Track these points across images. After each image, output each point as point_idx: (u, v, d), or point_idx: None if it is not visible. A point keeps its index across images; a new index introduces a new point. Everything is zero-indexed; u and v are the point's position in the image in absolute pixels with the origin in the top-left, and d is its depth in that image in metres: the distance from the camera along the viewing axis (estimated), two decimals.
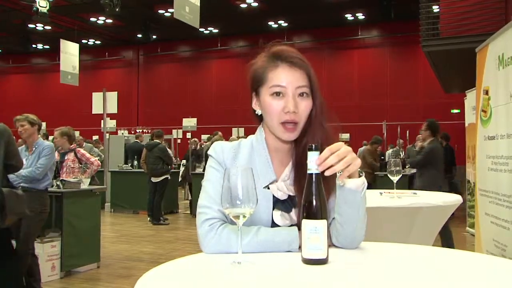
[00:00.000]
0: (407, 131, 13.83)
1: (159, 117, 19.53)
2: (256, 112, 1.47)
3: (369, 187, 1.39)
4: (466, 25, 8.80)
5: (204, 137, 14.92)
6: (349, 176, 1.27)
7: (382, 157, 10.22)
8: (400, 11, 15.17)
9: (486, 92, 4.41)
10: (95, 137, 14.51)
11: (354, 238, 1.35)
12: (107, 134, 11.04)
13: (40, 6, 11.75)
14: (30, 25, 17.62)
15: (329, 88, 16.45)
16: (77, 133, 12.59)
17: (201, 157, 10.37)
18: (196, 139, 11.75)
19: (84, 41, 19.24)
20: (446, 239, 5.87)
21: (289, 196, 1.41)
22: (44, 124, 8.15)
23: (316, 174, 1.20)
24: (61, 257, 5.07)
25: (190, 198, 10.65)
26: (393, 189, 3.30)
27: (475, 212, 5.09)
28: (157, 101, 20.40)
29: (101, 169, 9.00)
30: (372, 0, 15.19)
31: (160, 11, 16.36)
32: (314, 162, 1.20)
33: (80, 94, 18.10)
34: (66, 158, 5.72)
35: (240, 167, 1.21)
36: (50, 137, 8.44)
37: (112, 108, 9.83)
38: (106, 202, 10.46)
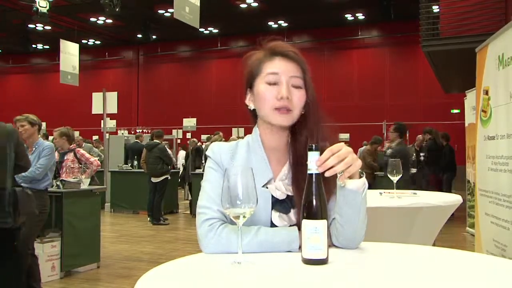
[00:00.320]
0: (407, 131, 13.81)
1: (159, 117, 19.53)
2: (249, 107, 1.48)
3: (369, 187, 1.39)
4: (466, 25, 8.80)
5: (203, 137, 14.93)
6: (350, 177, 1.27)
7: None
8: (400, 11, 15.18)
9: (486, 92, 4.41)
10: (95, 137, 14.51)
11: (354, 238, 1.35)
12: (107, 134, 11.04)
13: (40, 6, 11.76)
14: (30, 25, 17.62)
15: (329, 88, 16.46)
16: (76, 133, 12.60)
17: (201, 158, 10.37)
18: (195, 139, 11.74)
19: (84, 41, 19.24)
20: None
21: (288, 196, 1.41)
22: (44, 124, 8.15)
23: (316, 174, 1.20)
24: (61, 257, 5.07)
25: (190, 198, 10.65)
26: (393, 189, 3.30)
27: (475, 212, 5.09)
28: (157, 101, 20.40)
29: (101, 169, 9.00)
30: (372, 0, 15.19)
31: (160, 11, 16.37)
32: (314, 162, 1.20)
33: (80, 94, 18.11)
34: (65, 158, 5.72)
35: (240, 167, 1.21)
36: (50, 137, 8.44)
37: (112, 108, 9.85)
38: (106, 202, 10.46)
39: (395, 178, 3.30)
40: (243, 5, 15.68)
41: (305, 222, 1.18)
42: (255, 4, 15.59)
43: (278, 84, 1.39)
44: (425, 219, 2.98)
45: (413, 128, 13.94)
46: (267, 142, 1.46)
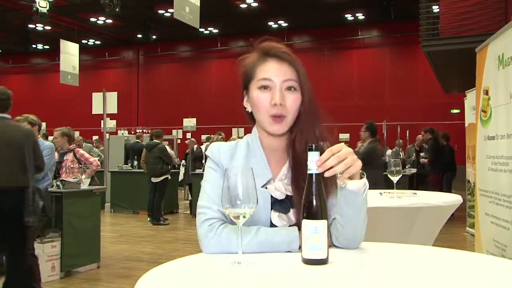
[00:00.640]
0: (407, 131, 13.83)
1: (159, 117, 19.52)
2: (247, 110, 1.48)
3: (370, 187, 1.39)
4: (466, 25, 8.80)
5: (203, 137, 14.93)
6: (351, 178, 1.27)
7: (383, 157, 10.21)
8: (400, 11, 15.17)
9: (486, 92, 4.41)
10: (95, 137, 14.51)
11: (354, 239, 1.35)
12: (107, 134, 11.04)
13: (40, 6, 11.76)
14: (30, 25, 17.61)
15: (329, 88, 16.45)
16: (77, 134, 12.60)
17: (201, 158, 10.37)
18: (194, 139, 11.74)
19: (84, 41, 19.23)
20: None
21: (287, 196, 1.40)
22: (44, 124, 8.14)
23: (316, 174, 1.20)
24: (61, 257, 5.07)
25: (190, 198, 10.65)
26: (393, 189, 3.30)
27: (475, 212, 5.09)
28: (157, 101, 20.39)
29: (101, 169, 9.00)
30: (372, 0, 15.18)
31: (160, 11, 16.36)
32: (314, 162, 1.20)
33: (80, 94, 18.11)
34: (65, 158, 5.72)
35: (240, 167, 1.21)
36: (50, 137, 8.44)
37: (112, 108, 9.86)
38: (106, 202, 10.46)
39: (395, 178, 3.30)
40: (243, 5, 15.67)
41: (305, 222, 1.18)
42: (255, 4, 15.58)
43: (271, 89, 1.39)
44: (425, 219, 2.98)
45: (413, 128, 13.96)
46: (266, 143, 1.46)
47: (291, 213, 1.40)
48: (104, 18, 17.11)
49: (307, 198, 1.19)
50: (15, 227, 3.80)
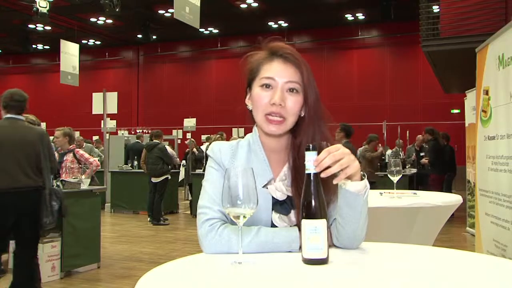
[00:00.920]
0: (407, 131, 13.83)
1: (159, 117, 19.53)
2: (248, 107, 1.47)
3: (371, 187, 1.38)
4: (466, 25, 8.80)
5: (203, 137, 14.92)
6: (350, 178, 1.26)
7: (383, 157, 10.23)
8: (400, 11, 15.16)
9: (486, 92, 4.41)
10: (95, 137, 14.49)
11: (354, 239, 1.35)
12: (107, 135, 11.03)
13: (40, 7, 11.76)
14: (30, 26, 17.61)
15: (329, 88, 16.45)
16: (77, 134, 12.60)
17: (201, 158, 10.36)
18: (193, 139, 11.73)
19: (84, 41, 19.23)
20: None
21: (288, 197, 1.40)
22: (44, 124, 8.15)
23: (314, 174, 1.20)
24: (61, 258, 5.06)
25: (190, 198, 10.65)
26: (393, 189, 3.30)
27: (475, 212, 5.09)
28: (157, 101, 20.40)
29: (101, 169, 8.99)
30: (372, 0, 15.18)
31: (160, 12, 16.36)
32: (311, 162, 1.20)
33: (80, 94, 18.09)
34: (65, 158, 5.72)
35: (241, 167, 1.21)
36: (50, 137, 8.43)
37: (112, 108, 9.82)
38: (106, 203, 10.46)
39: (395, 178, 3.31)
40: (243, 6, 15.67)
41: (305, 222, 1.18)
42: (255, 4, 15.58)
43: (273, 89, 1.38)
44: (425, 219, 2.98)
45: (413, 128, 13.96)
46: (266, 143, 1.46)
47: (292, 214, 1.39)
48: (104, 18, 17.11)
49: (306, 198, 1.19)
50: (29, 227, 3.82)
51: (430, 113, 15.96)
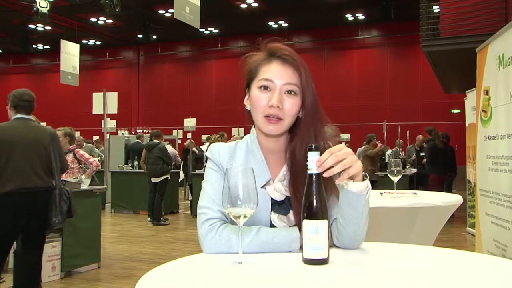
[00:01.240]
0: (407, 131, 13.83)
1: (160, 117, 19.53)
2: (246, 107, 1.48)
3: (373, 187, 1.38)
4: (466, 25, 8.80)
5: (204, 137, 14.91)
6: (352, 179, 1.26)
7: (383, 157, 10.23)
8: (400, 11, 15.15)
9: (487, 92, 4.41)
10: (95, 137, 14.49)
11: (355, 239, 1.35)
12: (108, 135, 11.03)
13: (40, 7, 11.75)
14: (31, 26, 17.61)
15: (329, 88, 16.45)
16: (77, 134, 12.59)
17: (201, 158, 10.36)
18: (192, 140, 11.73)
19: (84, 41, 19.23)
20: None
21: (287, 197, 1.40)
22: (44, 125, 8.11)
23: (316, 174, 1.20)
24: (61, 258, 5.06)
25: (190, 198, 10.65)
26: (394, 189, 3.30)
27: (475, 212, 5.09)
28: (157, 101, 20.40)
29: (101, 169, 8.98)
30: (372, 0, 15.18)
31: (160, 12, 16.36)
32: (314, 162, 1.20)
33: (80, 94, 18.10)
34: None
35: (241, 167, 1.21)
36: None
37: (113, 108, 9.81)
38: (106, 202, 10.46)
39: (395, 178, 3.30)
40: (243, 6, 15.67)
41: (306, 222, 1.18)
42: (255, 4, 15.58)
43: (271, 91, 1.39)
44: (426, 219, 2.98)
45: (414, 128, 13.96)
46: (264, 144, 1.46)
47: (291, 214, 1.39)
48: (104, 18, 17.11)
49: (308, 198, 1.19)
50: (38, 228, 3.83)
51: (430, 113, 15.95)
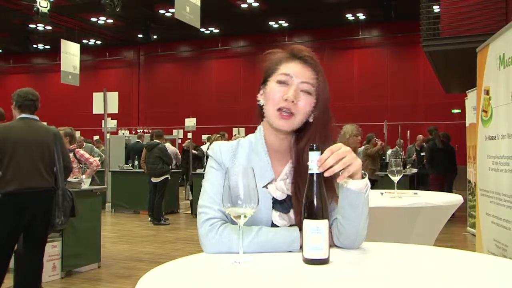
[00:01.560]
0: (408, 131, 13.83)
1: (160, 117, 19.53)
2: (259, 102, 1.48)
3: (373, 186, 1.39)
4: (466, 25, 8.79)
5: (204, 137, 14.91)
6: (352, 177, 1.27)
7: (383, 157, 10.23)
8: (400, 11, 15.16)
9: (487, 92, 4.41)
10: (96, 137, 14.50)
11: (355, 239, 1.35)
12: (108, 134, 11.03)
13: (41, 6, 11.76)
14: (31, 25, 17.63)
15: (329, 88, 16.41)
16: (77, 133, 12.59)
17: (201, 158, 10.37)
18: (191, 140, 11.73)
19: (84, 41, 19.24)
20: None
21: (288, 196, 1.40)
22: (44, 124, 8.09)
23: (317, 174, 1.20)
24: (61, 257, 5.06)
25: (191, 198, 10.65)
26: (394, 189, 3.30)
27: (476, 212, 5.09)
28: (157, 101, 20.40)
29: (101, 169, 8.98)
30: (373, 0, 15.18)
31: (161, 11, 16.37)
32: (315, 162, 1.20)
33: (80, 94, 18.11)
34: None
35: (241, 167, 1.21)
36: None
37: (113, 108, 9.82)
38: (106, 202, 10.45)
39: (396, 178, 3.30)
40: (243, 5, 15.67)
41: (307, 222, 1.18)
42: (256, 4, 15.58)
43: (288, 86, 1.40)
44: (426, 219, 2.98)
45: (414, 128, 13.95)
46: (271, 142, 1.46)
47: (292, 213, 1.40)
48: (104, 18, 17.12)
49: (308, 198, 1.19)
50: (40, 228, 3.83)
51: (431, 113, 15.95)
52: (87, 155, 5.97)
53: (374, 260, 1.30)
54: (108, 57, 21.28)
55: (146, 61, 21.27)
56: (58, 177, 3.88)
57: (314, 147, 1.20)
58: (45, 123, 4.26)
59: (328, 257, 1.18)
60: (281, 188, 1.40)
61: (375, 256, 1.33)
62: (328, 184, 1.27)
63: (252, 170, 1.18)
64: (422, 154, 10.42)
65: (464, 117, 8.21)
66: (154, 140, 9.15)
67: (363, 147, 8.93)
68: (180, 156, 11.06)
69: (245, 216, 1.17)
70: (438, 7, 10.12)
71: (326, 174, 1.20)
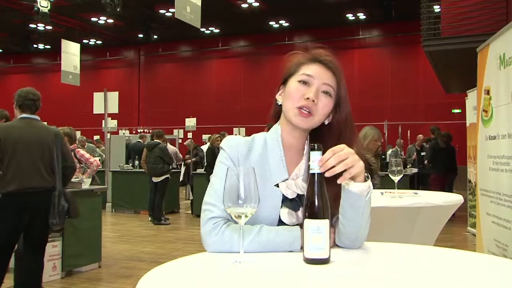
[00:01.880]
0: (408, 131, 13.82)
1: (160, 117, 19.53)
2: (277, 102, 1.50)
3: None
4: (467, 25, 8.79)
5: (204, 136, 14.92)
6: (354, 179, 1.27)
7: (383, 157, 10.23)
8: (401, 11, 15.15)
9: (487, 92, 4.41)
10: (96, 137, 14.51)
11: (356, 239, 1.35)
12: (108, 134, 11.04)
13: (41, 6, 11.76)
14: (31, 25, 17.63)
15: None
16: (78, 133, 12.60)
17: (202, 159, 10.36)
18: (192, 140, 11.72)
19: (85, 41, 19.24)
20: None
21: (298, 195, 1.41)
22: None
23: (318, 174, 1.20)
24: (62, 257, 5.07)
25: (191, 198, 10.65)
26: (394, 189, 3.30)
27: (476, 212, 5.08)
28: (158, 101, 20.40)
29: (102, 169, 8.99)
30: (373, 0, 15.18)
31: (161, 11, 16.37)
32: (316, 162, 1.20)
33: (81, 94, 18.12)
34: None
35: (244, 166, 1.21)
36: None
37: (113, 108, 9.83)
38: (107, 202, 10.46)
39: (396, 178, 3.30)
40: (244, 5, 15.67)
41: (308, 222, 1.18)
42: (256, 4, 15.58)
43: (309, 86, 1.41)
44: (426, 219, 2.98)
45: (414, 128, 13.95)
46: (287, 140, 1.47)
47: (301, 211, 1.40)
48: (105, 18, 17.12)
49: (309, 198, 1.19)
50: (40, 228, 3.83)
51: (431, 113, 15.95)
52: (87, 155, 5.97)
53: (374, 260, 1.30)
54: (108, 57, 21.28)
55: (146, 61, 21.27)
56: (56, 177, 3.86)
57: (316, 147, 1.20)
58: (45, 123, 4.25)
59: (329, 257, 1.18)
60: (292, 187, 1.40)
61: (376, 256, 1.33)
62: (329, 184, 1.27)
63: (253, 170, 1.17)
64: (423, 154, 10.42)
65: (464, 117, 8.21)
66: (155, 140, 9.15)
67: None
68: (180, 155, 11.04)
69: (246, 216, 1.17)
70: (438, 7, 10.12)
71: (327, 175, 1.20)
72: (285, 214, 1.39)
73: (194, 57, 20.51)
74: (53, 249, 4.99)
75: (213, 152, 8.88)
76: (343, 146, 1.23)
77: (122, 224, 9.00)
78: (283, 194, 1.40)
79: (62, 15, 15.83)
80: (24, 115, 3.85)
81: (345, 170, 1.22)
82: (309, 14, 16.31)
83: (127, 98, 20.09)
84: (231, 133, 14.57)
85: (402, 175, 3.32)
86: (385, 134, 12.22)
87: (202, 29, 17.04)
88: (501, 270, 1.19)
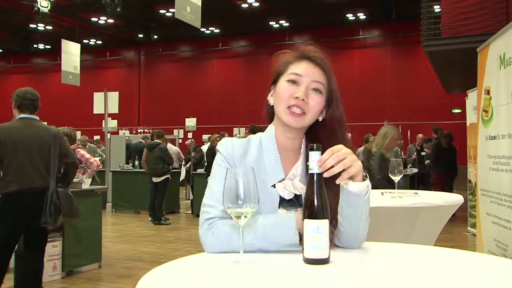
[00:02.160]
0: (408, 131, 13.81)
1: (160, 116, 19.53)
2: (269, 103, 1.49)
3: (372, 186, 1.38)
4: (467, 25, 8.79)
5: (204, 136, 14.91)
6: (352, 178, 1.26)
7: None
8: (401, 11, 15.15)
9: (488, 92, 4.41)
10: (96, 137, 14.51)
11: (356, 239, 1.35)
12: (108, 134, 11.04)
13: (41, 6, 11.76)
14: (31, 25, 17.62)
15: None
16: (78, 133, 12.60)
17: (201, 159, 10.36)
18: (192, 140, 11.72)
19: (85, 41, 19.24)
20: None
21: (295, 195, 1.41)
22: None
23: (317, 174, 1.20)
24: (62, 257, 5.06)
25: (191, 198, 10.65)
26: (395, 189, 3.30)
27: (476, 212, 5.08)
28: (158, 101, 20.40)
29: (102, 169, 8.98)
30: (373, 0, 15.18)
31: (161, 11, 16.37)
32: (315, 162, 1.20)
33: (81, 94, 18.11)
34: None
35: (243, 166, 1.21)
36: None
37: (113, 108, 9.83)
38: (107, 202, 10.45)
39: (396, 178, 3.30)
40: (244, 5, 15.67)
41: (307, 222, 1.18)
42: (256, 4, 15.58)
43: (298, 85, 1.41)
44: (427, 219, 2.98)
45: (414, 128, 13.95)
46: (281, 141, 1.46)
47: (299, 211, 1.39)
48: (105, 18, 17.12)
49: (309, 198, 1.19)
50: (40, 228, 3.83)
51: (431, 113, 15.94)
52: (87, 155, 5.97)
53: (374, 260, 1.30)
54: (108, 57, 21.28)
55: (146, 61, 21.27)
56: (51, 177, 3.83)
57: (315, 147, 1.20)
58: (45, 123, 4.24)
59: (329, 257, 1.18)
60: (289, 187, 1.40)
61: (376, 256, 1.33)
62: (329, 184, 1.27)
63: (252, 170, 1.18)
64: (423, 153, 10.41)
65: (464, 117, 8.20)
66: (155, 140, 9.15)
67: (362, 147, 8.92)
68: (182, 155, 11.05)
69: (245, 216, 1.17)
70: (438, 7, 10.12)
71: (325, 175, 1.20)
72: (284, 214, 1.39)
73: (194, 57, 20.50)
74: (53, 249, 4.99)
75: (213, 152, 8.85)
76: (341, 146, 1.23)
77: (122, 224, 8.99)
78: (280, 195, 1.40)
79: (62, 15, 15.83)
80: (22, 115, 3.85)
81: (343, 170, 1.22)
82: (309, 14, 16.31)
83: (127, 98, 20.09)
84: (231, 133, 14.58)
85: (402, 175, 3.32)
86: None
87: (202, 29, 17.04)
88: (501, 270, 1.19)
